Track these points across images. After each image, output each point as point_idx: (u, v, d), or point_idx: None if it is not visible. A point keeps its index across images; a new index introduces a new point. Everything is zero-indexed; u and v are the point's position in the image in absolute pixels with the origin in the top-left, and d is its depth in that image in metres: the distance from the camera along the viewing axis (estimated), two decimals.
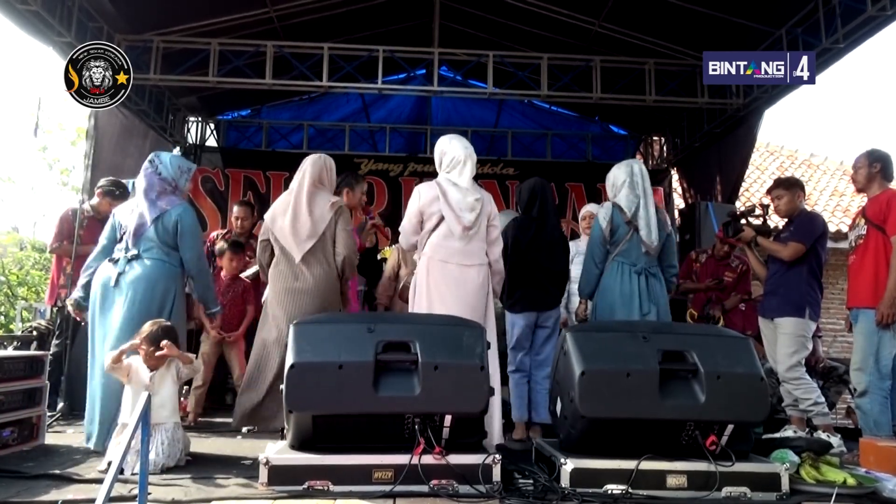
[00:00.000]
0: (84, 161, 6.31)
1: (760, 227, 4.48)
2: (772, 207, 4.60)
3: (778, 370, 4.17)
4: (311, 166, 3.88)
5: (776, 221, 5.77)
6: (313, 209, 3.76)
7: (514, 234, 4.03)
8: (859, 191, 4.18)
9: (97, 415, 3.39)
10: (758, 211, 4.58)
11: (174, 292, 3.54)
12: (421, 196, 3.60)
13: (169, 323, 3.34)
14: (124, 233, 3.58)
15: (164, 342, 3.14)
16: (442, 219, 3.53)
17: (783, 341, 4.10)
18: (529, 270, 3.96)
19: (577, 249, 4.96)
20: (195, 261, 3.62)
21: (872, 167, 3.93)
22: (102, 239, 3.69)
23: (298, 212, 3.75)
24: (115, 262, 3.53)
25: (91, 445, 3.38)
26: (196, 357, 4.64)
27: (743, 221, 4.50)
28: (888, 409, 3.77)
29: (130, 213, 3.61)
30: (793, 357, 4.04)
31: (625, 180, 4.01)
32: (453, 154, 3.63)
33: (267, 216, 3.87)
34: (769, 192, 4.54)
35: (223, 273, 4.82)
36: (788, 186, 4.32)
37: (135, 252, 3.52)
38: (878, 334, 3.71)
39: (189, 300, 3.92)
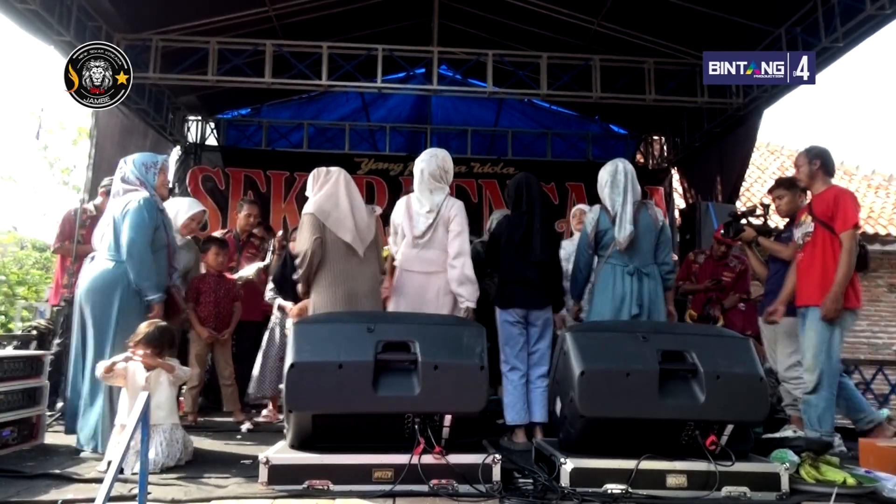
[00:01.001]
0: (87, 161, 6.30)
1: (761, 228, 4.48)
2: (772, 207, 4.60)
3: (777, 370, 4.17)
4: (346, 174, 3.81)
5: (777, 221, 5.78)
6: (364, 212, 3.78)
7: (507, 232, 4.03)
8: (803, 189, 4.15)
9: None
10: (759, 211, 4.57)
11: (121, 289, 3.45)
12: (396, 209, 3.94)
13: (164, 324, 3.33)
14: None
15: (140, 352, 3.14)
16: None
17: (783, 341, 4.11)
18: (520, 266, 3.94)
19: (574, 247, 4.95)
20: (127, 246, 3.46)
21: (812, 164, 3.88)
22: None
23: (356, 208, 3.70)
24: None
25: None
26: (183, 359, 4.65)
27: (744, 221, 4.50)
28: (834, 406, 3.74)
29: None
30: (792, 357, 4.04)
31: (608, 180, 4.03)
32: (414, 170, 3.96)
33: (316, 212, 3.60)
34: (770, 191, 4.54)
35: (208, 269, 4.76)
36: (789, 186, 4.31)
37: (94, 255, 3.60)
38: (830, 328, 3.65)
39: (172, 300, 3.80)
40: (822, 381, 3.65)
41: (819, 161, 3.86)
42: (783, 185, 4.37)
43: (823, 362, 3.64)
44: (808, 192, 4.04)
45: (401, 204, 3.92)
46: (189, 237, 4.64)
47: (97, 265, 3.53)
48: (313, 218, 3.58)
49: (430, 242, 3.78)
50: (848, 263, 3.61)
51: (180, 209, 4.46)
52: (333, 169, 3.82)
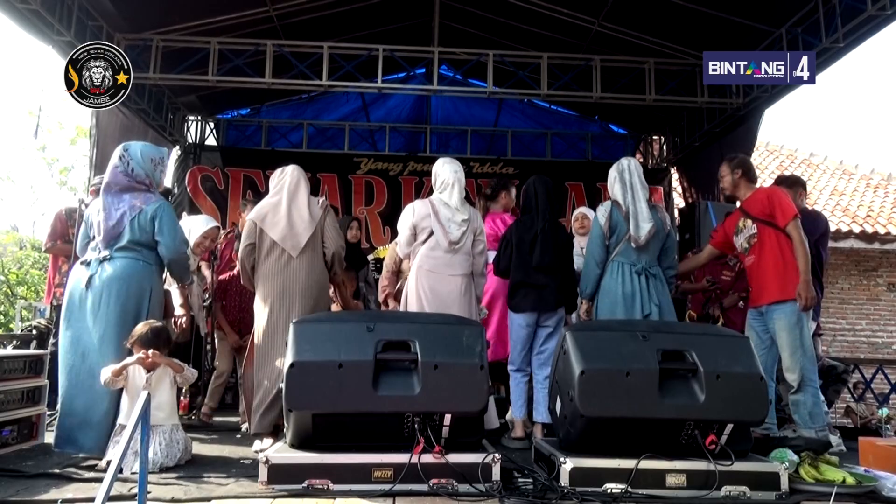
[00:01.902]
0: (87, 161, 6.31)
1: None
2: None
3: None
4: (299, 173, 3.89)
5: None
6: (310, 209, 3.81)
7: (518, 235, 4.04)
8: (803, 186, 4.37)
9: (65, 418, 3.21)
10: None
11: (150, 290, 3.37)
12: (415, 212, 3.96)
13: (160, 324, 3.30)
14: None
15: (150, 352, 3.10)
16: (432, 233, 3.90)
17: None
18: (531, 270, 3.96)
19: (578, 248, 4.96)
20: (174, 247, 3.42)
21: (735, 173, 4.10)
22: (81, 238, 3.53)
23: (294, 210, 3.76)
24: (87, 264, 3.36)
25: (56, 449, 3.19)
26: (212, 357, 4.71)
27: None
28: (820, 398, 3.82)
29: (97, 212, 3.40)
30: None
31: (615, 176, 4.07)
32: (444, 177, 4.04)
33: (254, 216, 3.75)
34: None
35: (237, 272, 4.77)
36: (790, 185, 4.33)
37: (106, 253, 3.34)
38: (799, 324, 3.73)
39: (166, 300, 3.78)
40: (804, 377, 3.73)
41: (741, 170, 4.10)
42: (783, 184, 4.37)
43: (801, 358, 3.72)
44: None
45: (423, 208, 3.95)
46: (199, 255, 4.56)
47: (118, 262, 3.32)
48: (249, 223, 3.78)
49: (461, 248, 3.93)
50: (804, 250, 3.75)
51: (193, 228, 4.37)
52: (287, 168, 3.91)
